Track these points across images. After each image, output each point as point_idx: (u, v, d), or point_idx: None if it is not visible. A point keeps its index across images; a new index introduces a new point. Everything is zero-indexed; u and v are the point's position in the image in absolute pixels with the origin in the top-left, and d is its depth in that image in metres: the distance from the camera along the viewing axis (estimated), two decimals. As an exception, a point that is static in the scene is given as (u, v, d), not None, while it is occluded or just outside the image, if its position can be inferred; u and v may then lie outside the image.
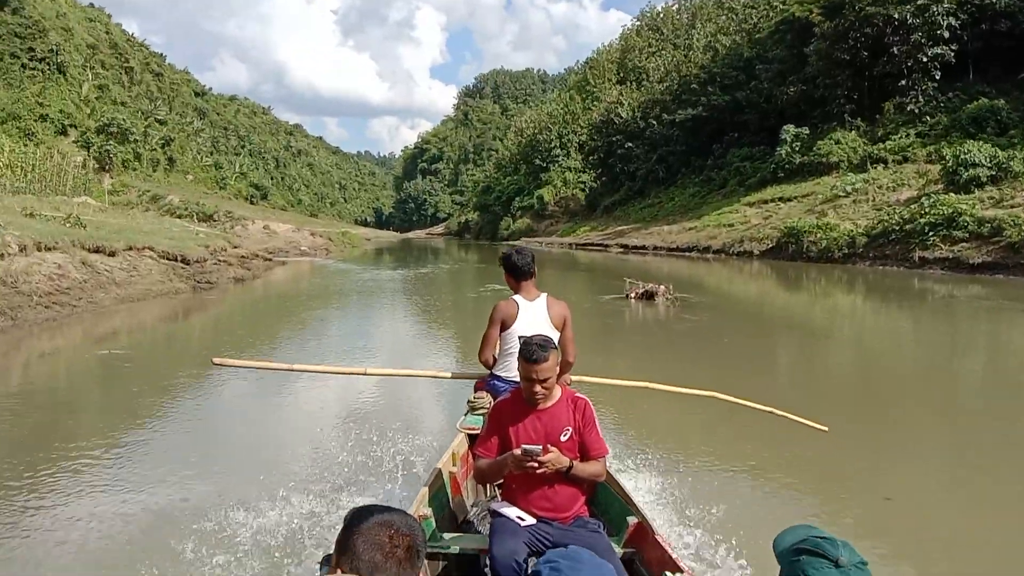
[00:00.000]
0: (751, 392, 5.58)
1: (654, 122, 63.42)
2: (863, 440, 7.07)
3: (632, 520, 3.49)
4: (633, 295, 18.37)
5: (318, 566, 2.24)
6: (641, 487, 5.18)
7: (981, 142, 29.11)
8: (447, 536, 3.60)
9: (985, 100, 35.36)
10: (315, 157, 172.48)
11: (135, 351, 12.01)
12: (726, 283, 27.67)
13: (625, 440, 6.44)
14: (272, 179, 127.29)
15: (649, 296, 18.07)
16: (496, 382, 4.61)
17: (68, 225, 19.23)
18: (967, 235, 24.41)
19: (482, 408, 4.66)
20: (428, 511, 3.58)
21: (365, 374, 5.67)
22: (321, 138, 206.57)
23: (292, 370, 5.44)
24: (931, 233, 25.56)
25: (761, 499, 5.53)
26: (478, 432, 4.02)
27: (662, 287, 18.22)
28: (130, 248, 18.99)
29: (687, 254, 41.25)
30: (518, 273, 4.53)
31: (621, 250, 49.16)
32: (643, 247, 47.07)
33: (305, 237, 51.55)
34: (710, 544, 4.27)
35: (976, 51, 39.08)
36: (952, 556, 4.73)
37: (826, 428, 5.26)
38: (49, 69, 65.81)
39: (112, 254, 17.97)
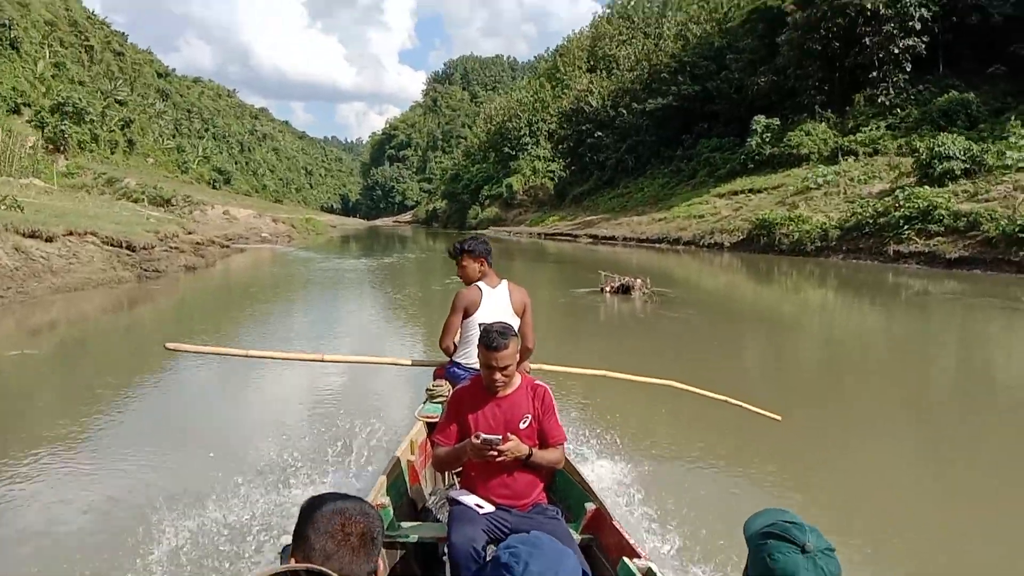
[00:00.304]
0: (725, 385, 5.73)
1: (624, 111, 62.79)
2: (829, 432, 7.26)
3: (590, 506, 3.53)
4: (608, 289, 17.74)
5: (277, 557, 2.15)
6: (599, 474, 5.32)
7: (954, 135, 28.70)
8: (405, 525, 3.57)
9: (956, 93, 35.05)
10: (281, 142, 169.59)
11: (66, 348, 11.00)
12: (700, 276, 27.19)
13: (584, 427, 6.54)
14: (236, 163, 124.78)
15: (625, 290, 17.46)
16: (456, 369, 4.59)
17: (3, 208, 18.00)
18: (943, 229, 23.88)
19: (441, 396, 4.68)
20: (386, 500, 3.55)
21: (323, 360, 5.59)
22: (287, 122, 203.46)
23: (248, 356, 5.42)
24: (906, 227, 25.09)
25: (718, 487, 5.57)
26: (436, 420, 4.10)
27: (638, 281, 17.61)
28: (70, 233, 17.82)
29: (657, 245, 40.70)
30: (489, 259, 4.55)
31: (590, 240, 48.65)
32: (612, 238, 46.51)
33: (267, 223, 50.21)
34: (666, 529, 4.42)
35: (947, 43, 38.83)
36: (923, 548, 4.74)
37: (779, 417, 5.41)
38: (1, 45, 63.23)
39: (50, 239, 16.82)
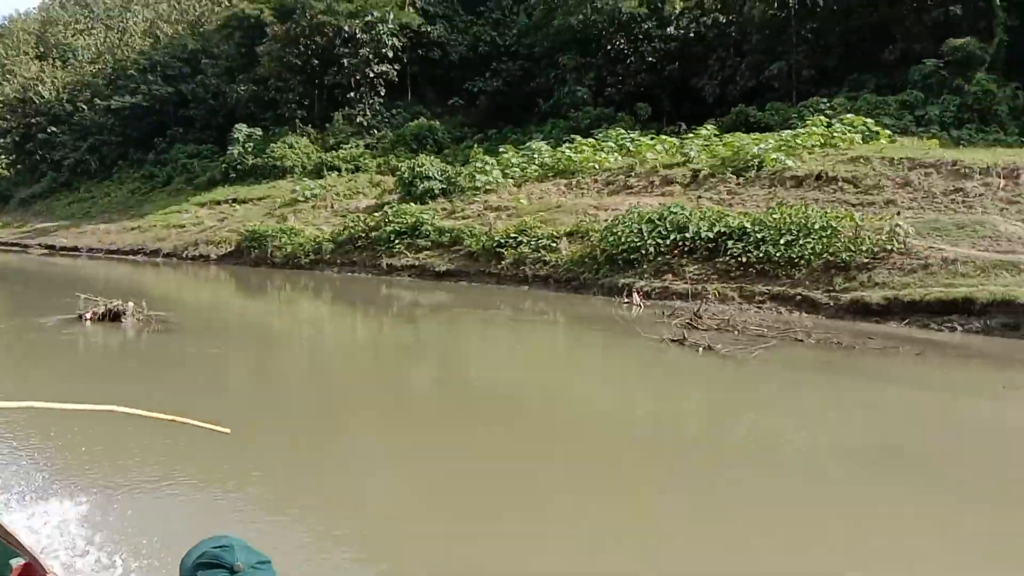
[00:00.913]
0: (201, 407, 5.94)
1: (84, 107, 55.81)
2: (288, 440, 7.73)
3: (17, 562, 3.23)
4: (90, 316, 14.91)
5: None
6: (40, 520, 4.95)
7: (431, 157, 31.30)
8: None
9: (424, 120, 38.77)
10: None
11: None
12: (193, 294, 25.55)
13: (14, 474, 5.97)
14: None
15: (114, 316, 14.86)
16: None
17: None
18: (430, 244, 25.53)
19: None
20: None
21: None
22: None
23: None
24: (396, 241, 26.30)
25: (169, 512, 5.44)
26: None
27: (131, 304, 15.11)
28: None
29: (132, 257, 36.79)
30: None
31: (46, 251, 42.22)
32: (75, 248, 40.85)
33: None
34: (113, 565, 4.30)
35: (415, 74, 42.58)
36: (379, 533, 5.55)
37: (228, 431, 5.55)
38: None
39: None
